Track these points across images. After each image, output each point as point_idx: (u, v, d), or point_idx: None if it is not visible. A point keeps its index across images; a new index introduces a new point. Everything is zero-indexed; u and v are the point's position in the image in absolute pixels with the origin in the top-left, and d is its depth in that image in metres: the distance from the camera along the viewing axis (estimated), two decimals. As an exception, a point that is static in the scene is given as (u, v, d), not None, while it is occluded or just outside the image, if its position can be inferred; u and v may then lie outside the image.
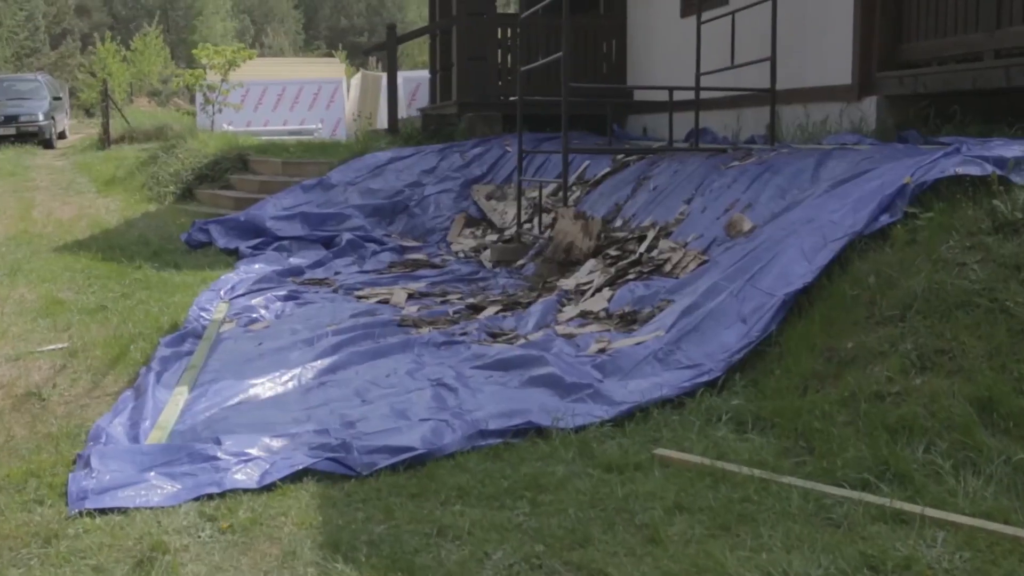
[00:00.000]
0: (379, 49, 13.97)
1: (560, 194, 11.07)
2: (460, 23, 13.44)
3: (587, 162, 11.42)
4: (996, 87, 6.88)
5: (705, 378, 5.25)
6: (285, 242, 10.73)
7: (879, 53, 8.17)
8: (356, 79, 24.27)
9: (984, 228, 5.29)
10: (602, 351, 6.12)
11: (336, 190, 11.79)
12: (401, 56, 54.70)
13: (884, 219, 5.68)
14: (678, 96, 9.88)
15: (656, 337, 5.91)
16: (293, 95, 22.69)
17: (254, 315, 7.87)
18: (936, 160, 5.84)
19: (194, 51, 20.64)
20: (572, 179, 11.52)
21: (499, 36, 13.69)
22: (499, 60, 13.71)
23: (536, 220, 10.57)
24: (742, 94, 9.85)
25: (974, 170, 5.55)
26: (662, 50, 12.67)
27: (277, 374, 6.03)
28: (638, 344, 5.95)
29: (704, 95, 9.93)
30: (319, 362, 6.24)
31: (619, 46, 13.99)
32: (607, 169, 10.77)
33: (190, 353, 6.70)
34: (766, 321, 5.42)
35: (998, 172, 5.47)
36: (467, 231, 11.36)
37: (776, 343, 5.38)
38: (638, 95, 13.12)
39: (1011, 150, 5.64)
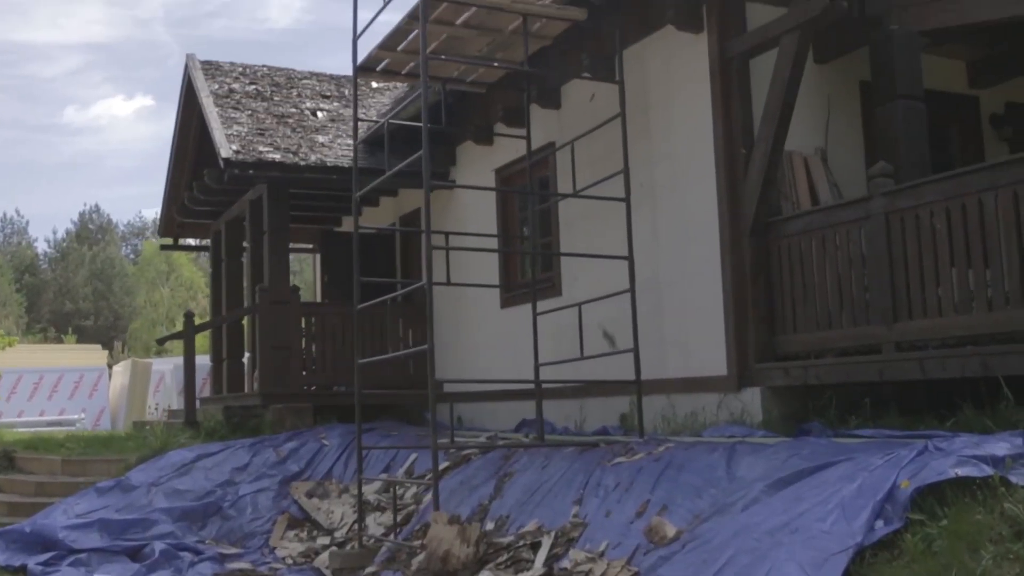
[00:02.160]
0: (175, 337, 12.52)
1: (393, 491, 9.80)
2: (262, 311, 12.22)
3: (414, 455, 10.24)
4: (909, 379, 6.49)
5: None
6: (83, 555, 8.75)
7: (756, 344, 7.74)
8: (121, 367, 22.06)
9: (1005, 535, 4.60)
10: None
11: (138, 492, 9.92)
12: (125, 342, 51.47)
13: (880, 527, 4.90)
14: (508, 385, 9.13)
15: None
16: (52, 384, 20.16)
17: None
18: (916, 459, 5.20)
19: (-57, 337, 18.12)
20: (400, 473, 10.32)
21: (303, 325, 12.57)
22: (303, 349, 12.54)
23: (370, 521, 9.23)
24: (584, 383, 9.20)
25: (973, 471, 4.93)
26: (479, 339, 11.98)
27: None
28: None
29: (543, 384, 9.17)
30: None
31: (423, 334, 13.17)
32: (446, 463, 9.64)
33: None
34: (796, 654, 4.39)
35: (999, 473, 4.87)
36: (291, 533, 9.76)
37: None
38: (451, 384, 12.24)
39: (999, 447, 5.09)
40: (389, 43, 8.83)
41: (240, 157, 11.28)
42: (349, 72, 15.04)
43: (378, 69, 9.38)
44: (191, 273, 61.42)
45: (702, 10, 8.10)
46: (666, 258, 8.77)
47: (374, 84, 14.58)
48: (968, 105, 9.59)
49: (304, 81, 14.02)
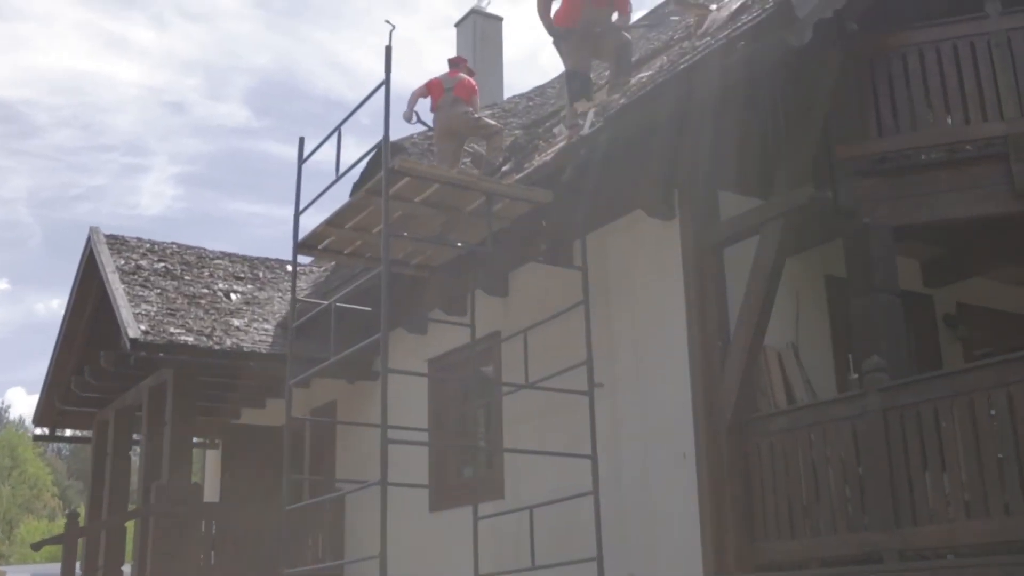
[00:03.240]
0: (55, 542, 11.39)
1: None
2: (158, 513, 11.30)
3: None
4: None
5: None
6: None
7: (735, 553, 7.37)
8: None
9: None
10: None
11: None
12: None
13: None
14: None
15: None
16: None
17: None
18: None
19: None
20: None
21: (202, 529, 11.70)
22: (200, 558, 11.63)
23: None
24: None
25: None
26: (401, 548, 11.21)
27: None
28: None
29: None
30: None
31: (336, 538, 12.40)
32: None
33: None
34: None
35: None
36: None
37: None
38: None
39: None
40: (337, 219, 8.58)
41: (149, 338, 10.68)
42: (259, 253, 14.80)
43: (320, 247, 9.08)
44: (37, 469, 58.03)
45: (674, 197, 8.12)
46: (630, 457, 8.43)
47: (288, 268, 14.27)
48: (923, 303, 9.78)
49: (216, 261, 13.61)
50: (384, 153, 7.67)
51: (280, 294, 13.15)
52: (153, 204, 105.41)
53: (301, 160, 9.23)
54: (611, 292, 8.69)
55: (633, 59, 8.98)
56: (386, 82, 7.90)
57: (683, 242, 7.97)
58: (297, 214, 9.10)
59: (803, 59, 7.02)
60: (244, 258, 14.05)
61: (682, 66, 7.21)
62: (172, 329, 11.08)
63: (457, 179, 7.88)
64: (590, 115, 8.12)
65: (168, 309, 11.60)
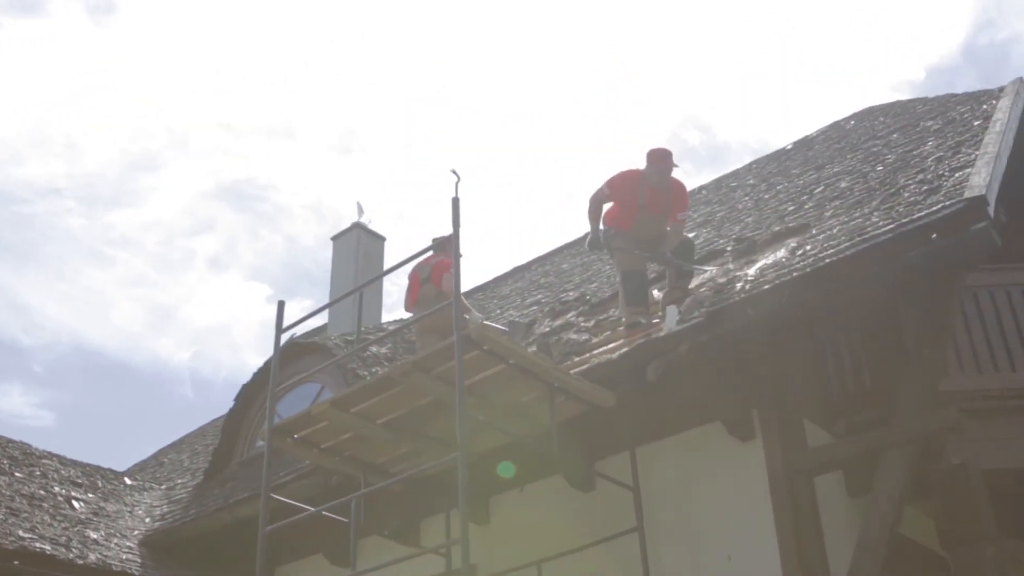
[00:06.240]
0: None
1: None
2: None
3: None
4: None
5: None
6: None
7: None
8: None
9: None
10: None
11: None
12: None
13: None
14: None
15: None
16: None
17: None
18: None
19: None
20: None
21: None
22: None
23: None
24: None
25: None
26: None
27: None
28: None
29: None
30: None
31: None
32: None
33: None
34: None
35: None
36: None
37: None
38: None
39: None
40: (344, 401, 7.18)
41: (-5, 542, 8.41)
42: (92, 460, 12.49)
43: (296, 436, 7.56)
44: None
45: (752, 416, 7.35)
46: None
47: (128, 480, 12.14)
48: (940, 565, 9.29)
49: (44, 460, 11.32)
50: (456, 318, 6.55)
51: (129, 508, 10.99)
52: None
53: (280, 329, 7.89)
54: (659, 520, 7.62)
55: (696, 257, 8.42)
56: (455, 236, 6.93)
57: (770, 467, 7.14)
58: (273, 389, 7.65)
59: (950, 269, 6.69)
60: (74, 462, 11.77)
61: (827, 260, 6.66)
62: (21, 532, 8.83)
63: (534, 360, 6.79)
64: (672, 311, 7.35)
65: (8, 508, 9.31)
